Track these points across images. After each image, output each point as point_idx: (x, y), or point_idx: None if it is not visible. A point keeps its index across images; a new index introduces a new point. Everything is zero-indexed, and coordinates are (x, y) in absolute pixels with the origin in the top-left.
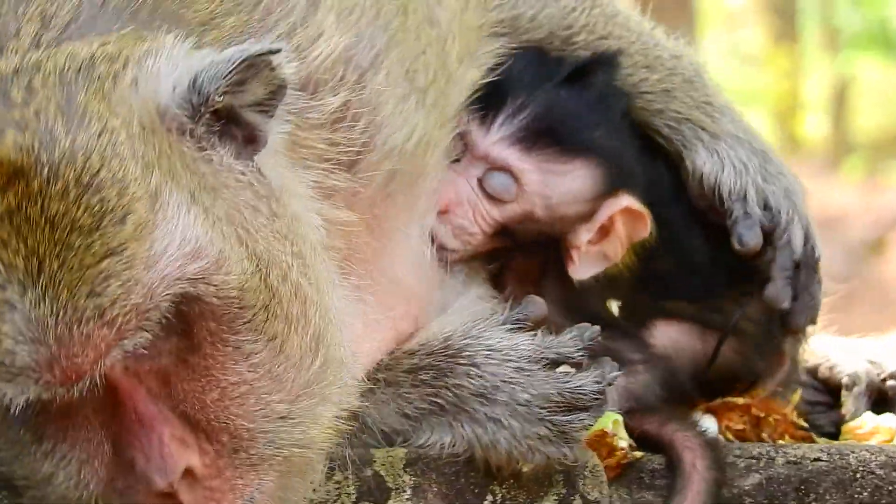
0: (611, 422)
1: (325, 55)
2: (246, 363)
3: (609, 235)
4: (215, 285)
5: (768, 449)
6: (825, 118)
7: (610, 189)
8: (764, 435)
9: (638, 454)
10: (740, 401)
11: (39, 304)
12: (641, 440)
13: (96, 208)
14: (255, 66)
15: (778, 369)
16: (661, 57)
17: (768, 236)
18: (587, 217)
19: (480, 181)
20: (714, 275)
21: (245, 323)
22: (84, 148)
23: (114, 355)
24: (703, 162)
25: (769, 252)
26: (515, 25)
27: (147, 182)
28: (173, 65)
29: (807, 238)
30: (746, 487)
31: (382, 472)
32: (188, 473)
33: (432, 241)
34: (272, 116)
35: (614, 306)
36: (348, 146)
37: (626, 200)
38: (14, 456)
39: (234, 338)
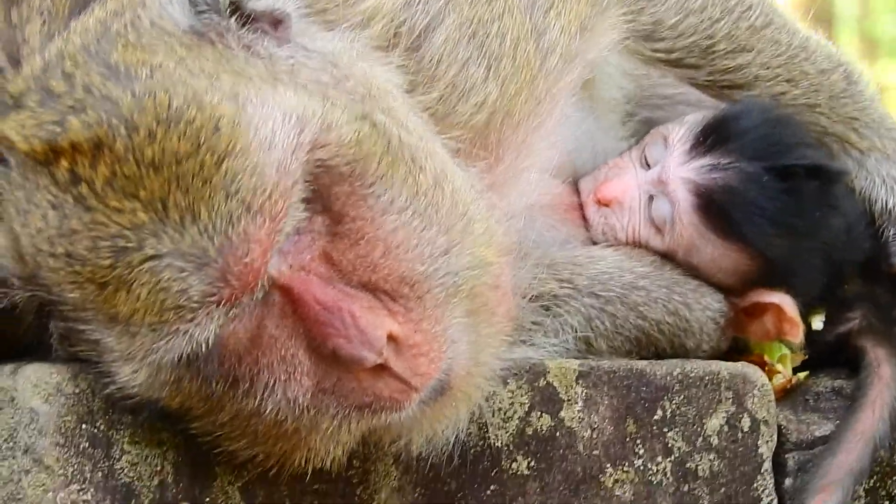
0: (776, 355)
1: (375, 9)
2: (393, 209)
3: (754, 318)
4: (333, 144)
5: None
6: None
7: (766, 283)
8: None
9: (802, 375)
10: None
11: (185, 235)
12: (836, 348)
13: (187, 132)
14: None
15: None
16: (807, 72)
17: None
18: (734, 290)
19: (651, 199)
20: None
21: (374, 173)
22: (145, 92)
23: (277, 243)
24: (854, 176)
25: None
26: (654, 30)
27: (219, 87)
28: None
29: None
30: None
31: (555, 383)
32: (389, 340)
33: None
34: None
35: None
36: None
37: (779, 299)
38: (208, 410)
39: (371, 190)
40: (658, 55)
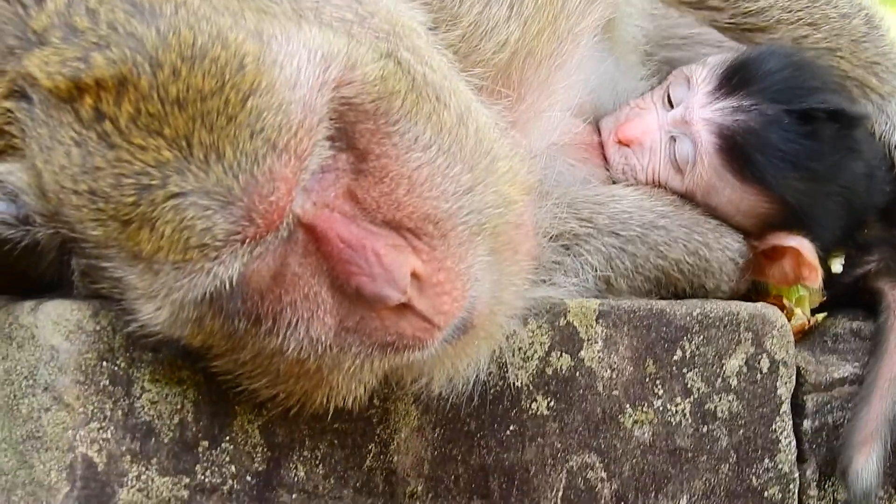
0: (794, 297)
1: None
2: (417, 147)
3: (773, 261)
4: (358, 81)
5: None
6: None
7: (785, 226)
8: None
9: (820, 317)
10: None
11: (210, 173)
12: (854, 290)
13: (212, 70)
14: None
15: None
16: (828, 16)
17: None
18: (753, 233)
19: (673, 139)
20: None
21: (398, 110)
22: (170, 29)
23: (302, 181)
24: (875, 121)
25: None
26: None
27: (244, 25)
28: None
29: None
30: None
31: (575, 323)
32: (413, 278)
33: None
34: None
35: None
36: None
37: (797, 243)
38: (230, 348)
39: (395, 128)
40: None
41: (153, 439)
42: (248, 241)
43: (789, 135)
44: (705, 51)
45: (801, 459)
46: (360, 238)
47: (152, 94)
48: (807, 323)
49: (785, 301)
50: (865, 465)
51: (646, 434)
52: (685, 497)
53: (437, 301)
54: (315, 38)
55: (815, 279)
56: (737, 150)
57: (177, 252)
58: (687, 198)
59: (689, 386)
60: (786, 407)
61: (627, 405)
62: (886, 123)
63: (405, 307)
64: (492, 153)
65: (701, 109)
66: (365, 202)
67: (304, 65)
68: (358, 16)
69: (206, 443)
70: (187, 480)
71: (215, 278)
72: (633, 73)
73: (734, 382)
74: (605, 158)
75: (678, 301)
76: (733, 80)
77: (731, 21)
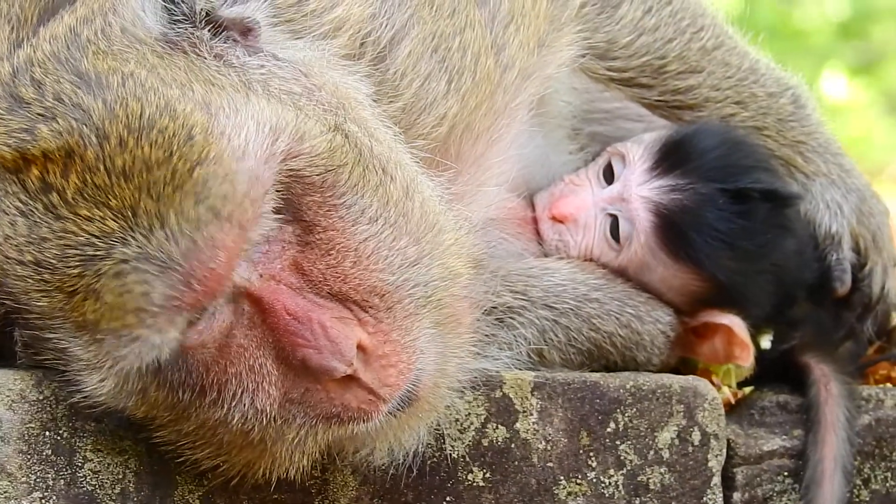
0: (721, 371)
1: (342, 20)
2: (364, 219)
3: (705, 339)
4: (306, 154)
5: (878, 391)
6: None
7: (717, 304)
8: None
9: (747, 390)
10: None
11: (151, 240)
12: (779, 364)
13: (159, 140)
14: None
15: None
16: (756, 95)
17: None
18: (684, 309)
19: (609, 216)
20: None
21: (345, 183)
22: (117, 101)
23: (244, 251)
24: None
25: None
26: (608, 49)
27: (191, 96)
28: None
29: (883, 284)
30: (856, 428)
31: (511, 395)
32: (358, 350)
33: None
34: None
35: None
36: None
37: (729, 321)
38: (173, 419)
39: (342, 200)
40: (611, 74)
41: None
42: (186, 308)
43: (724, 214)
44: (626, 125)
45: None
46: (306, 310)
47: (99, 166)
48: (733, 397)
49: (713, 377)
50: None
51: None
52: None
53: (382, 373)
54: (264, 110)
55: (748, 358)
56: (673, 228)
57: (117, 319)
58: (618, 273)
59: (621, 458)
60: (716, 479)
61: (562, 477)
62: (811, 203)
63: (350, 379)
64: (437, 226)
65: (639, 188)
66: (311, 274)
67: (252, 137)
68: (305, 89)
69: None
70: None
71: (153, 347)
72: (563, 148)
73: (666, 455)
74: (538, 233)
75: (612, 374)
76: (670, 159)
77: (660, 98)
